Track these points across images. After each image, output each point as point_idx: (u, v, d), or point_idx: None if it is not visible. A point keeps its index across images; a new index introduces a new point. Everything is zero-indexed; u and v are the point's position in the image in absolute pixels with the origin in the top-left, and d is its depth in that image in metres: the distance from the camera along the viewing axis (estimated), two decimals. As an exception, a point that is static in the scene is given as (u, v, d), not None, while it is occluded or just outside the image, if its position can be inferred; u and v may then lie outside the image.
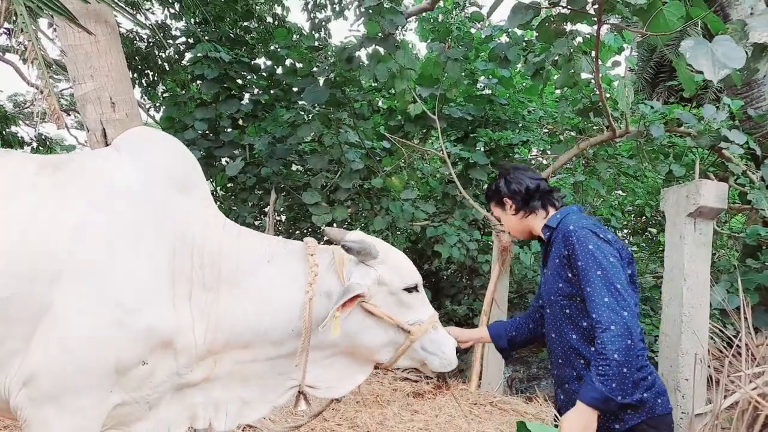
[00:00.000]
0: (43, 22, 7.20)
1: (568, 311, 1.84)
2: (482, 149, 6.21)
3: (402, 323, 1.82)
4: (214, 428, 1.77)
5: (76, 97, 3.09)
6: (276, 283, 1.75)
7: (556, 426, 1.70)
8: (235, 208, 6.21)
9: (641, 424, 1.72)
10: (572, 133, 5.87)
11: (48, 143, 9.70)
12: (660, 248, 7.78)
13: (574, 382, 1.82)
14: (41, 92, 2.64)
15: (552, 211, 2.00)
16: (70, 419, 1.49)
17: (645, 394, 1.73)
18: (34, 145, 9.22)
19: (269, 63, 6.02)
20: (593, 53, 3.93)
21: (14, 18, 2.32)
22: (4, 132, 8.81)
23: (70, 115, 10.16)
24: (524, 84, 6.79)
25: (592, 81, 4.75)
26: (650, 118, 4.37)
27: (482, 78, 6.24)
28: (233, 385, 1.77)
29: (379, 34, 4.81)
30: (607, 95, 4.83)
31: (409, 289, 1.85)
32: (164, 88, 7.58)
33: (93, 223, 1.55)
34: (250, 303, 1.72)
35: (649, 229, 8.46)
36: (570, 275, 1.79)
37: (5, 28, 6.67)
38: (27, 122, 10.40)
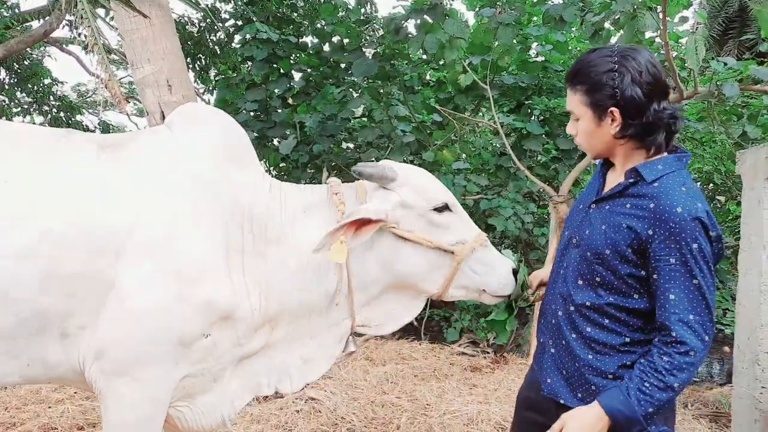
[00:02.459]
0: (102, 12, 7.45)
1: (597, 284, 1.44)
2: (537, 119, 5.99)
3: (442, 244, 1.72)
4: (279, 391, 1.80)
5: (135, 82, 3.18)
6: (311, 232, 1.71)
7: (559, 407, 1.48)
8: (288, 187, 6.29)
9: None
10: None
11: (111, 131, 10.14)
12: (729, 217, 7.34)
13: (549, 353, 1.56)
14: (101, 79, 2.72)
15: (642, 153, 1.43)
16: (140, 390, 1.55)
17: None
18: (98, 132, 9.66)
19: (316, 41, 6.01)
20: (659, 8, 3.67)
21: (75, 7, 2.39)
22: (69, 121, 9.27)
23: (129, 102, 10.54)
24: (580, 49, 6.48)
25: (657, 39, 4.46)
26: (723, 76, 4.07)
27: (535, 44, 5.99)
28: (292, 347, 1.78)
29: (427, 4, 4.68)
30: (674, 54, 4.53)
31: (439, 209, 1.75)
32: (216, 71, 7.72)
33: (152, 199, 1.58)
34: (293, 259, 1.71)
35: (717, 197, 7.99)
36: (632, 255, 1.37)
37: (67, 20, 6.95)
38: (91, 111, 10.90)
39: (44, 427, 3.23)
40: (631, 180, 1.41)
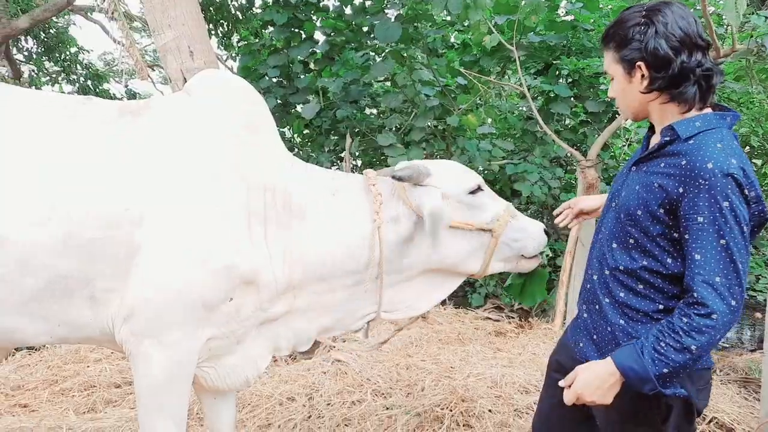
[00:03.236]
0: (122, -20, 7.42)
1: (630, 247, 1.41)
2: (565, 81, 5.82)
3: (482, 225, 1.83)
4: (296, 351, 1.86)
5: (158, 48, 3.18)
6: (343, 214, 1.78)
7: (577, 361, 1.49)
8: (312, 154, 6.30)
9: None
10: (667, 57, 5.34)
11: (137, 98, 10.24)
12: (765, 181, 7.10)
13: (582, 318, 1.56)
14: (123, 45, 2.72)
15: (694, 110, 1.36)
16: (168, 352, 1.60)
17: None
18: (125, 100, 9.77)
19: (337, 4, 5.90)
20: (696, -39, 3.48)
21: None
22: (97, 89, 9.38)
23: (154, 70, 10.60)
24: (611, 7, 6.22)
25: (693, -6, 4.25)
26: (763, 31, 3.87)
27: (564, 2, 5.76)
28: (312, 315, 1.84)
29: (452, -38, 4.52)
30: (711, 9, 4.32)
31: (473, 192, 1.85)
32: (239, 37, 7.67)
33: (173, 166, 1.60)
34: (321, 236, 1.76)
35: (753, 161, 7.71)
36: (664, 216, 1.33)
37: (89, -12, 6.95)
38: (117, 79, 10.99)
39: (84, 385, 3.39)
40: (666, 138, 1.36)
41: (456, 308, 5.56)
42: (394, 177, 1.77)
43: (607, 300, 1.47)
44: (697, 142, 1.31)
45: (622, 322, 1.43)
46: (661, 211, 1.33)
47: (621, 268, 1.43)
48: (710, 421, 3.01)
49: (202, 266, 1.57)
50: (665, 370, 1.27)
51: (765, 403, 2.86)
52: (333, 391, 3.24)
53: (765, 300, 3.04)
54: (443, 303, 5.46)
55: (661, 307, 1.39)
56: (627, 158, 6.77)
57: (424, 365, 3.73)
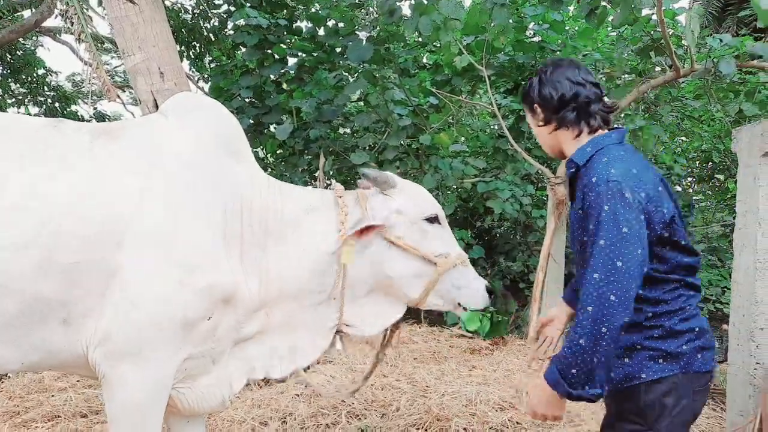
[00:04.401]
0: (93, 2, 7.37)
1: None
2: (534, 100, 5.94)
3: (427, 254, 1.85)
4: (270, 377, 1.85)
5: (127, 70, 3.16)
6: (315, 230, 1.82)
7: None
8: (286, 173, 6.28)
9: (673, 376, 1.45)
10: (631, 76, 5.52)
11: (106, 120, 10.09)
12: (728, 195, 7.33)
13: None
14: (91, 67, 2.70)
15: (586, 135, 1.56)
16: (143, 373, 1.58)
17: (684, 347, 1.46)
18: (93, 122, 9.61)
19: (310, 25, 5.95)
20: (654, -14, 3.62)
21: (62, -6, 2.36)
22: (65, 111, 9.22)
23: (125, 91, 10.48)
24: (576, 28, 6.42)
25: (653, 17, 4.41)
26: (719, 53, 4.03)
27: (532, 24, 5.93)
28: (284, 335, 1.84)
29: (421, -15, 4.62)
30: (670, 31, 4.48)
31: (430, 220, 1.89)
32: (211, 58, 7.66)
33: (150, 188, 1.59)
34: (295, 254, 1.79)
35: (716, 175, 7.97)
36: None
37: (58, 9, 6.88)
38: (85, 101, 10.83)
39: (48, 416, 3.26)
40: (571, 170, 1.55)
41: (431, 326, 5.56)
42: (361, 173, 1.87)
43: None
44: (590, 164, 1.49)
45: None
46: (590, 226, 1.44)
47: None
48: (681, 433, 3.05)
49: (183, 286, 1.57)
50: (573, 371, 1.34)
51: (730, 412, 2.92)
52: (307, 414, 3.19)
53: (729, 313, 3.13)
54: (418, 321, 5.46)
55: (649, 314, 1.47)
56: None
57: (399, 385, 3.71)
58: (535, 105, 1.63)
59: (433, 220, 1.90)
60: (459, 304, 1.92)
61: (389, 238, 1.83)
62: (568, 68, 1.60)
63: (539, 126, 1.64)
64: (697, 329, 1.50)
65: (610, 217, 1.35)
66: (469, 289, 1.90)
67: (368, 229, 1.80)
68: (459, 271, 1.89)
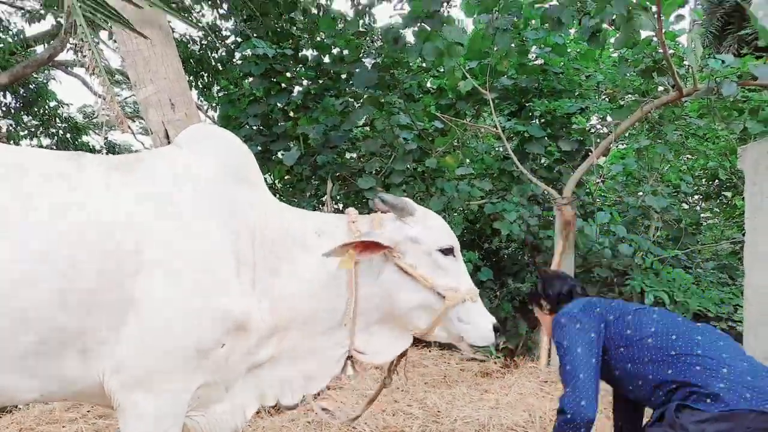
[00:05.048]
0: (104, 35, 7.57)
1: None
2: (538, 122, 6.00)
3: (437, 287, 1.84)
4: (281, 404, 1.84)
5: (139, 102, 3.23)
6: (320, 256, 1.79)
7: None
8: (294, 199, 6.33)
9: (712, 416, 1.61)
10: (634, 97, 5.57)
11: (117, 150, 10.23)
12: (736, 212, 7.29)
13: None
14: (104, 99, 2.77)
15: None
16: (158, 401, 1.58)
17: (721, 385, 1.65)
18: (104, 152, 9.75)
19: (316, 54, 6.07)
20: (654, 8, 3.69)
21: (76, 31, 2.44)
22: (76, 142, 9.38)
23: (135, 121, 10.66)
24: (578, 51, 6.50)
25: (654, 39, 4.47)
26: (721, 74, 4.07)
27: (534, 47, 6.02)
28: (296, 361, 1.84)
29: (424, 12, 4.72)
30: (672, 52, 4.54)
31: (444, 252, 1.88)
32: (219, 87, 7.80)
33: (165, 218, 1.62)
34: (306, 279, 1.79)
35: (723, 193, 7.94)
36: None
37: (71, 44, 7.05)
38: (96, 131, 11.01)
39: (59, 447, 3.25)
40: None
41: (441, 350, 5.52)
42: (378, 198, 1.85)
43: None
44: None
45: None
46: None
47: None
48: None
49: (198, 314, 1.58)
50: None
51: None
52: (319, 442, 3.16)
53: (743, 332, 3.09)
54: (428, 345, 5.42)
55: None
56: (601, 194, 6.93)
57: (411, 410, 3.68)
58: (541, 300, 2.21)
59: (448, 252, 1.89)
60: (462, 338, 1.90)
61: (401, 266, 1.82)
62: (562, 278, 2.26)
63: (546, 315, 2.20)
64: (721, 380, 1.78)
65: (564, 339, 1.95)
66: (474, 325, 1.89)
67: (375, 246, 1.78)
68: (467, 306, 1.89)
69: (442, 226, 1.95)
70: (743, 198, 3.19)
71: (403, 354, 1.99)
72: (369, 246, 1.78)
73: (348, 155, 6.70)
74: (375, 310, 1.86)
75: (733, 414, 1.59)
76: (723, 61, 4.17)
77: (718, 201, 7.86)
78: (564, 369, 1.87)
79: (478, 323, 1.89)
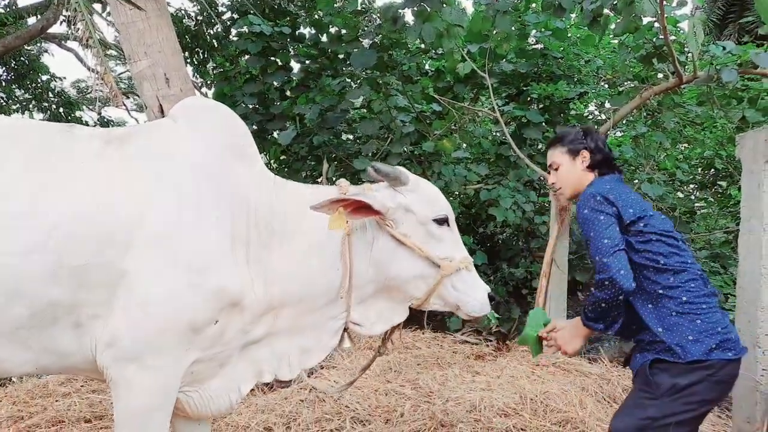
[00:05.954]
0: (99, 7, 7.42)
1: None
2: (536, 107, 5.97)
3: (432, 256, 1.84)
4: (278, 379, 1.84)
5: (133, 75, 3.18)
6: (317, 227, 1.79)
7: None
8: (289, 179, 6.29)
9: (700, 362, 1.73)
10: (633, 83, 5.54)
11: (111, 126, 10.13)
12: (731, 202, 7.32)
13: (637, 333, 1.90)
14: (98, 73, 2.72)
15: (595, 174, 2.06)
16: (151, 377, 1.58)
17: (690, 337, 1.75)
18: (102, 128, 9.63)
19: (313, 32, 5.98)
20: (656, -7, 3.65)
21: (69, 2, 2.39)
22: (69, 117, 9.26)
23: (129, 98, 10.54)
24: (579, 36, 6.45)
25: (655, 24, 4.43)
26: (722, 61, 4.05)
27: (534, 31, 5.96)
28: (292, 336, 1.83)
29: (425, -8, 4.65)
30: (673, 38, 4.51)
31: (439, 221, 1.87)
32: (214, 64, 7.70)
33: (159, 192, 1.60)
34: (299, 252, 1.78)
35: (718, 182, 7.96)
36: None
37: (64, 16, 6.92)
38: (90, 107, 10.88)
39: (52, 420, 3.26)
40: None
41: (434, 332, 5.55)
42: (372, 167, 1.83)
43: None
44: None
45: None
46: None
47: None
48: (686, 440, 3.03)
49: (191, 289, 1.57)
50: (591, 315, 1.81)
51: (736, 419, 2.91)
52: (311, 420, 3.19)
53: (733, 319, 3.12)
54: (422, 328, 5.45)
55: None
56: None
57: (403, 390, 3.70)
58: (584, 151, 2.05)
59: (443, 221, 1.88)
60: (459, 307, 1.91)
61: (395, 236, 1.81)
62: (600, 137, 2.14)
63: (579, 168, 2.05)
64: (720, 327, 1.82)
65: (591, 215, 1.82)
66: (470, 294, 1.89)
67: (366, 209, 1.76)
68: (462, 275, 1.89)
69: (436, 194, 1.93)
70: (738, 188, 3.19)
71: (398, 324, 1.99)
72: (360, 208, 1.76)
73: (345, 137, 6.66)
74: (370, 282, 1.85)
75: (703, 363, 1.71)
76: (724, 48, 4.14)
77: (713, 190, 7.89)
78: (600, 241, 1.76)
79: (474, 292, 1.90)
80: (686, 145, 7.34)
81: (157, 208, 1.58)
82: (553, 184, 2.13)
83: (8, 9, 7.80)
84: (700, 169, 7.75)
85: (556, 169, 2.10)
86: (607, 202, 1.83)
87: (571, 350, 1.93)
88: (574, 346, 1.92)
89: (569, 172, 2.06)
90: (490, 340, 5.38)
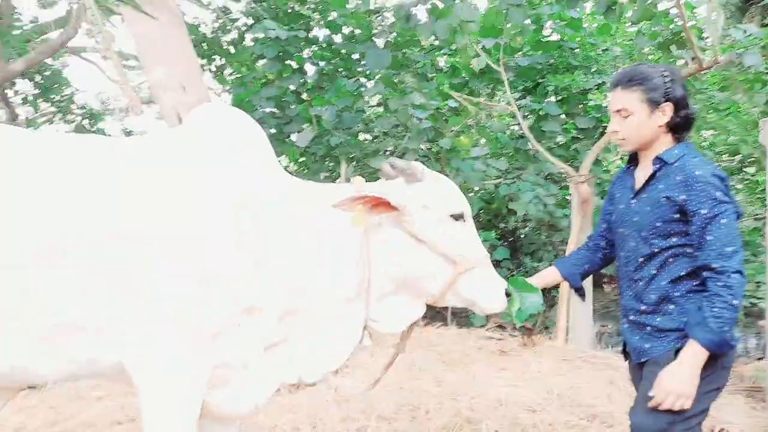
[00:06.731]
0: (118, 20, 7.58)
1: (657, 250, 1.76)
2: (553, 99, 5.91)
3: (448, 252, 1.81)
4: (302, 381, 1.84)
5: (150, 85, 3.25)
6: (333, 228, 1.78)
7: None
8: (308, 180, 6.34)
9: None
10: (653, 71, 5.41)
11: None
12: (759, 188, 7.14)
13: (638, 314, 1.82)
14: (117, 82, 2.78)
15: (670, 142, 1.80)
16: (175, 382, 1.61)
17: None
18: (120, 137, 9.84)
19: (327, 33, 6.01)
20: (673, -22, 3.57)
21: (85, 14, 2.44)
22: (93, 129, 9.47)
23: (150, 107, 10.73)
24: (595, 25, 6.36)
25: (672, 10, 4.35)
26: (743, 44, 3.95)
27: (549, 23, 5.89)
28: (314, 336, 1.83)
29: (437, -11, 4.64)
30: (692, 23, 4.41)
31: (455, 217, 1.84)
32: (231, 71, 7.79)
33: (176, 201, 1.62)
34: (318, 253, 1.77)
35: (744, 168, 7.77)
36: (676, 217, 1.71)
37: (84, 29, 7.08)
38: (113, 118, 11.12)
39: (85, 424, 3.34)
40: (657, 166, 1.78)
41: (459, 328, 5.54)
42: (389, 162, 1.82)
43: (642, 306, 1.80)
44: (682, 162, 1.73)
45: (658, 320, 1.76)
46: (676, 216, 1.71)
47: (666, 279, 1.75)
48: (718, 432, 2.98)
49: (210, 295, 1.59)
50: (726, 328, 1.59)
51: (771, 410, 2.84)
52: (337, 419, 3.21)
53: (765, 307, 3.05)
54: (446, 324, 5.44)
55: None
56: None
57: (429, 388, 3.70)
58: (668, 104, 1.74)
59: (459, 217, 1.85)
60: (475, 304, 1.88)
61: (412, 231, 1.79)
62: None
63: (656, 122, 1.76)
64: None
65: (724, 201, 1.64)
66: (486, 290, 1.86)
67: (385, 205, 1.75)
68: (479, 272, 1.86)
69: (452, 190, 1.90)
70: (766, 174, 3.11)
71: (416, 320, 1.97)
72: (379, 204, 1.75)
73: (362, 136, 6.68)
74: (387, 278, 1.84)
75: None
76: (746, 31, 4.04)
77: (740, 177, 7.70)
78: (720, 226, 1.63)
79: (491, 287, 1.87)
80: (711, 131, 7.18)
81: (173, 215, 1.60)
82: (615, 132, 1.82)
83: (32, 24, 8.01)
84: (725, 156, 7.57)
85: (626, 117, 1.78)
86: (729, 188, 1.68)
87: (690, 396, 1.63)
88: (692, 391, 1.63)
89: (643, 125, 1.77)
90: (515, 335, 5.35)
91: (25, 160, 1.57)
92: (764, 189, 6.72)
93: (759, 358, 4.93)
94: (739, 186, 7.80)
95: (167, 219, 1.59)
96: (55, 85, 9.15)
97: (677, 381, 1.62)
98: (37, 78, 8.97)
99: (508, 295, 1.90)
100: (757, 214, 6.80)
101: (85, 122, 9.55)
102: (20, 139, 1.63)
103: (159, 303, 1.56)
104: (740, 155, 7.19)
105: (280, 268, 1.74)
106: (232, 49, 7.56)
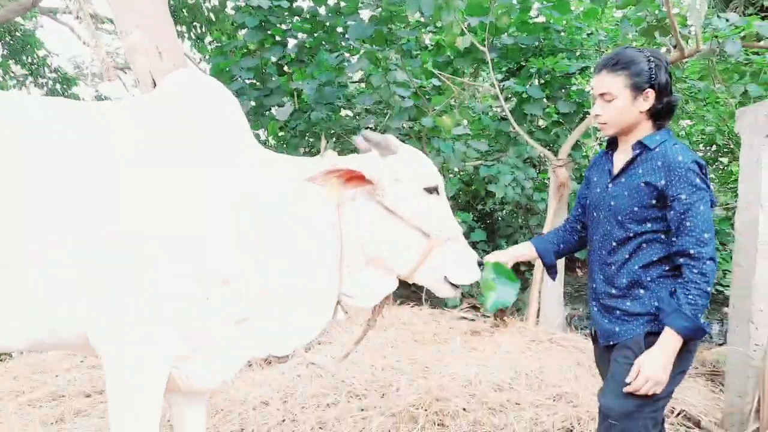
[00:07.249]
0: (90, -19, 7.28)
1: (632, 235, 1.78)
2: (537, 82, 5.89)
3: (421, 226, 1.80)
4: (273, 355, 1.84)
5: (125, 49, 3.14)
6: (306, 201, 1.77)
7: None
8: (287, 155, 6.26)
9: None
10: (635, 58, 5.43)
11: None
12: (731, 179, 7.29)
13: (608, 297, 1.85)
14: (90, 46, 2.68)
15: (650, 128, 1.81)
16: (142, 354, 1.58)
17: None
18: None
19: (311, 5, 5.87)
20: (659, -36, 3.55)
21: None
22: (66, 93, 9.19)
23: (126, 72, 10.42)
24: (581, 8, 6.33)
25: (658, -4, 4.34)
26: (725, 33, 3.97)
27: (536, 4, 5.84)
28: (286, 311, 1.82)
29: (424, -37, 4.54)
30: (676, 11, 4.42)
31: (429, 190, 1.84)
32: (211, 39, 7.59)
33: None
34: (293, 230, 1.76)
35: (719, 158, 7.92)
36: (653, 203, 1.73)
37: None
38: (87, 83, 10.78)
39: (52, 395, 3.30)
40: (637, 151, 1.79)
41: (432, 308, 5.59)
42: (361, 135, 1.81)
43: (612, 290, 1.83)
44: (663, 148, 1.75)
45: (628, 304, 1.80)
46: (653, 201, 1.73)
47: (639, 264, 1.78)
48: (678, 414, 3.07)
49: (180, 269, 1.56)
50: (699, 314, 1.64)
51: (729, 394, 2.94)
52: (308, 394, 3.22)
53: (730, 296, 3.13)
54: (420, 304, 5.48)
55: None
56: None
57: (400, 366, 3.74)
58: (650, 90, 1.75)
59: (432, 190, 1.84)
60: (446, 278, 1.87)
61: (385, 205, 1.78)
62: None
63: (638, 107, 1.77)
64: None
65: (702, 189, 1.67)
66: (458, 263, 1.86)
67: (358, 178, 1.74)
68: (451, 245, 1.85)
69: (425, 163, 1.89)
70: (739, 164, 3.16)
71: (388, 296, 1.98)
72: (352, 177, 1.74)
73: (343, 112, 6.59)
74: (361, 252, 1.83)
75: None
76: (727, 20, 4.06)
77: (713, 167, 7.85)
78: (696, 212, 1.66)
79: (463, 259, 1.86)
80: (688, 121, 7.27)
81: (150, 194, 1.55)
82: (597, 116, 1.83)
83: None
84: (701, 146, 7.70)
85: (609, 101, 1.78)
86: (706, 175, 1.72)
87: (665, 383, 1.68)
88: (667, 377, 1.68)
89: (626, 110, 1.78)
90: (487, 316, 5.42)
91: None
92: (736, 179, 6.87)
93: (720, 344, 5.09)
94: (712, 176, 7.95)
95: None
96: (27, 47, 8.82)
97: (655, 368, 1.65)
98: (7, 38, 8.63)
99: (480, 265, 1.91)
100: (727, 204, 6.95)
101: (58, 86, 9.25)
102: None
103: (129, 276, 1.53)
104: (715, 145, 7.31)
105: (255, 243, 1.71)
106: (213, 17, 7.36)
